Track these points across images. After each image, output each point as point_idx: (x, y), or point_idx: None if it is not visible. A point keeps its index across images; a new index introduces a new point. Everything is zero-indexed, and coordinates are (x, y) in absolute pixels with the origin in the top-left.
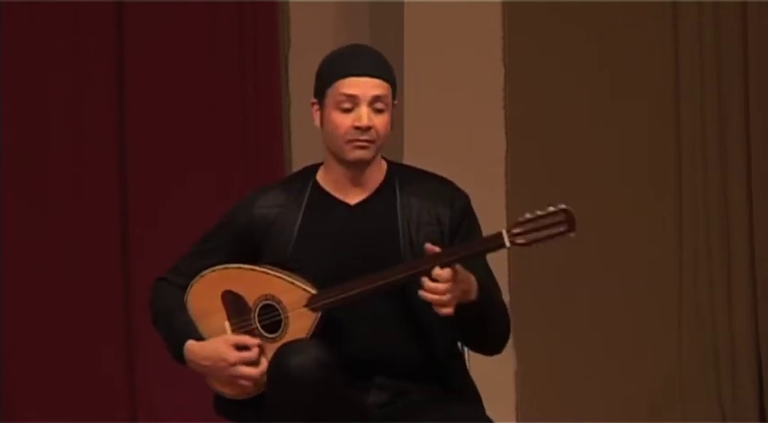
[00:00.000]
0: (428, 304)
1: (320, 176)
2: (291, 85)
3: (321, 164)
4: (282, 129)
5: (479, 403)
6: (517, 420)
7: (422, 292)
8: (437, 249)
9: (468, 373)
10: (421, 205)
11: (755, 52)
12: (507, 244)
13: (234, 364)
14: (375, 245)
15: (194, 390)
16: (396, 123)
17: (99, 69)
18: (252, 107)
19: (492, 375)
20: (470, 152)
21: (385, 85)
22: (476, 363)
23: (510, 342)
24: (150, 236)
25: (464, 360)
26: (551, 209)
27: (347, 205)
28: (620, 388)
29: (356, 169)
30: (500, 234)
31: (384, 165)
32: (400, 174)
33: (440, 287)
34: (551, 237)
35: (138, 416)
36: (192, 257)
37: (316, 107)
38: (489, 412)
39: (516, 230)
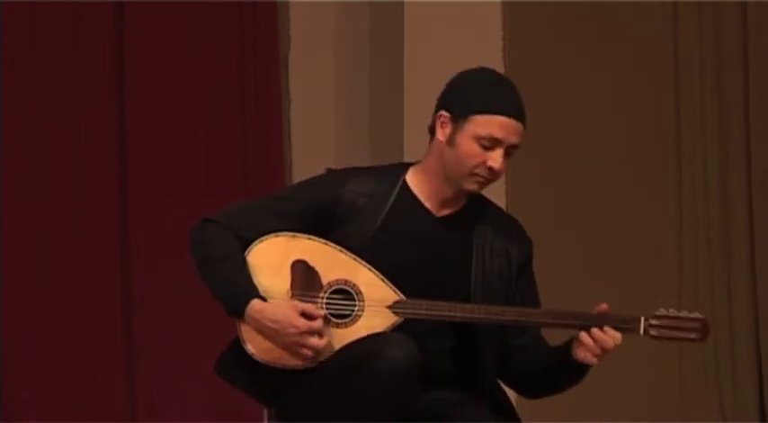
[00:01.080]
0: (491, 340)
1: (411, 178)
2: (291, 85)
3: (412, 164)
4: (282, 129)
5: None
6: None
7: (589, 338)
8: (607, 308)
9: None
10: (495, 236)
11: (755, 52)
12: (641, 332)
13: (303, 333)
14: (449, 262)
15: (194, 390)
16: (396, 123)
17: (99, 69)
18: (252, 107)
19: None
20: None
21: (523, 131)
22: None
23: None
24: (150, 236)
25: (503, 391)
26: (690, 314)
27: (432, 216)
28: (620, 388)
29: (459, 191)
30: (638, 319)
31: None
32: (481, 204)
33: (607, 345)
34: (681, 340)
35: (138, 416)
36: (258, 211)
37: (445, 121)
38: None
39: (653, 322)
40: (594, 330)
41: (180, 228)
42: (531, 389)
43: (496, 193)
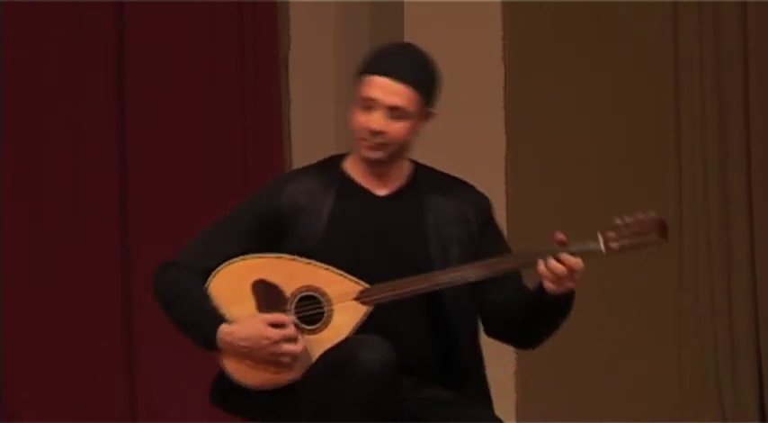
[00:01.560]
0: (461, 310)
1: (348, 166)
2: (291, 85)
3: (348, 154)
4: (282, 129)
5: (491, 408)
6: (517, 420)
7: (546, 269)
8: (563, 237)
9: (485, 378)
10: (447, 203)
11: (755, 52)
12: (603, 249)
13: (276, 342)
14: (403, 238)
15: (194, 390)
16: None
17: (99, 69)
18: (252, 107)
19: (492, 375)
20: (470, 152)
21: (411, 93)
22: None
23: None
24: (150, 236)
25: (484, 366)
26: (642, 216)
27: (376, 196)
28: (619, 388)
29: (375, 166)
30: (595, 238)
31: (409, 165)
32: (425, 174)
33: (568, 273)
34: (645, 245)
35: (138, 416)
36: (209, 241)
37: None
38: None
39: (611, 234)
40: (550, 261)
41: (180, 228)
42: (528, 337)
43: (496, 193)
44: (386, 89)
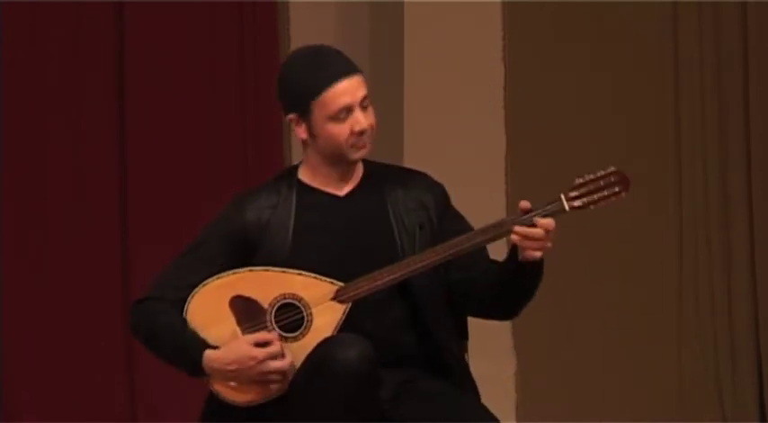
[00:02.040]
0: (432, 296)
1: (303, 175)
2: None
3: (297, 165)
4: (282, 129)
5: (478, 396)
6: (517, 420)
7: (520, 238)
8: (528, 205)
9: (467, 365)
10: (404, 193)
11: (755, 52)
12: (566, 208)
13: (263, 361)
14: (371, 232)
15: (194, 390)
16: (396, 124)
17: (99, 69)
18: (252, 107)
19: (492, 375)
20: (470, 152)
21: (362, 78)
22: (476, 363)
23: (510, 342)
24: (150, 236)
25: (464, 353)
26: (603, 172)
27: (337, 197)
28: (619, 388)
29: (349, 166)
30: (558, 198)
31: (361, 163)
32: (377, 168)
33: (543, 234)
34: (606, 198)
35: (138, 416)
36: (179, 272)
37: (296, 121)
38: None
39: (573, 194)
40: (519, 228)
41: (180, 228)
42: (504, 309)
43: (496, 193)
44: (350, 89)
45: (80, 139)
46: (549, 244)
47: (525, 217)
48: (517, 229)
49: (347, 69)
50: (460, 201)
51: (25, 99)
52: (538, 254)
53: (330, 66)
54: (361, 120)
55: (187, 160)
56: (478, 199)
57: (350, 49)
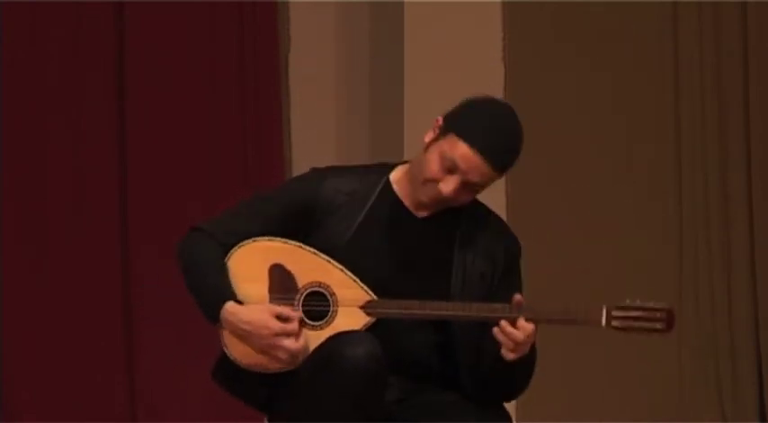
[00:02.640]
0: (470, 337)
1: (395, 178)
2: (291, 85)
3: (398, 164)
4: (282, 129)
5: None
6: (517, 420)
7: (498, 332)
8: (522, 300)
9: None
10: (480, 238)
11: (755, 52)
12: (603, 323)
13: (276, 334)
14: (427, 264)
15: (194, 390)
16: (396, 124)
17: (99, 69)
18: (252, 107)
19: None
20: None
21: (494, 175)
22: None
23: None
24: (150, 236)
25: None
26: (653, 305)
27: (413, 216)
28: (619, 388)
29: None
30: (599, 310)
31: None
32: (469, 203)
33: (519, 337)
34: (647, 331)
35: (138, 416)
36: (240, 216)
37: (436, 127)
38: None
39: (616, 313)
40: (507, 328)
41: (180, 228)
42: (491, 392)
43: (496, 193)
44: (473, 165)
45: (80, 139)
46: (521, 348)
47: (558, 313)
48: (499, 328)
49: (492, 156)
50: None
51: (25, 99)
52: (511, 355)
53: (492, 140)
54: (451, 185)
55: (187, 160)
56: (478, 199)
57: (350, 49)
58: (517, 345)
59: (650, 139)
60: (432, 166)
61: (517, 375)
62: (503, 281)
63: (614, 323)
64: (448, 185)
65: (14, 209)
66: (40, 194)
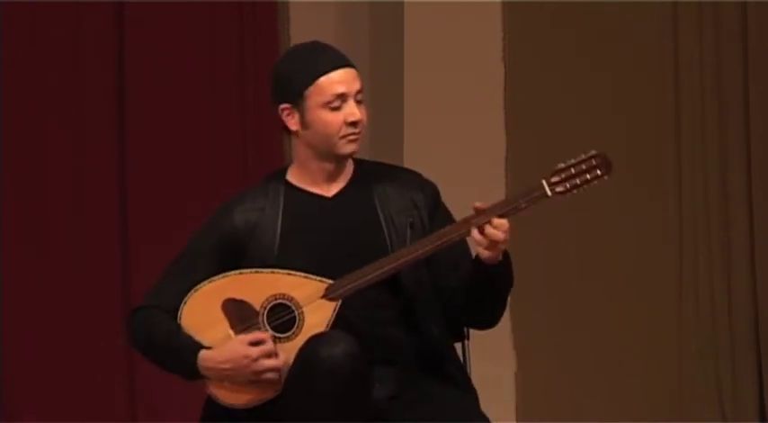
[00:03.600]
0: (420, 295)
1: (291, 176)
2: None
3: (287, 166)
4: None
5: (474, 394)
6: (517, 420)
7: (479, 236)
8: (483, 206)
9: (459, 358)
10: (395, 192)
11: (755, 52)
12: (549, 193)
13: (257, 359)
14: (359, 232)
15: (194, 390)
16: (396, 124)
17: (99, 69)
18: (252, 107)
19: (492, 375)
20: (470, 152)
21: (357, 74)
22: (476, 363)
23: (510, 342)
24: (150, 236)
25: (454, 347)
26: (584, 155)
27: (325, 198)
28: (620, 388)
29: (339, 163)
30: (540, 184)
31: (350, 161)
32: (368, 166)
33: (500, 235)
34: (588, 181)
35: (138, 416)
36: (174, 277)
37: (288, 111)
38: (489, 413)
39: (555, 179)
40: (485, 228)
41: (180, 228)
42: (477, 315)
43: (496, 193)
44: (345, 79)
45: (80, 139)
46: (503, 245)
47: (509, 202)
48: (476, 232)
49: (343, 61)
50: (460, 201)
51: (25, 99)
52: (488, 253)
53: (327, 55)
54: (355, 111)
55: (187, 160)
56: (478, 199)
57: (350, 49)
58: (502, 242)
59: (650, 139)
60: (328, 118)
61: (500, 286)
62: (434, 219)
63: (558, 189)
64: (353, 113)
65: (14, 209)
66: (40, 194)
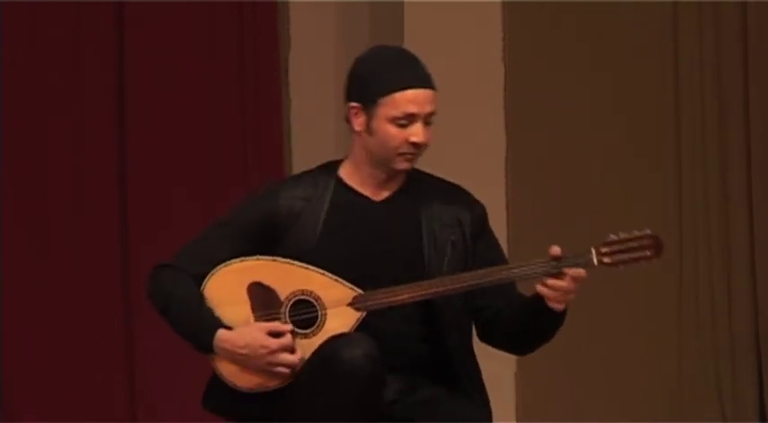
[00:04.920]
0: (449, 309)
1: (344, 173)
2: (291, 85)
3: (341, 160)
4: (282, 129)
5: (486, 406)
6: (517, 420)
7: (547, 289)
8: (559, 251)
9: (480, 376)
10: (442, 207)
11: (755, 52)
12: (595, 262)
13: (275, 352)
14: (399, 242)
15: (194, 390)
16: None
17: (99, 69)
18: (252, 107)
19: (492, 375)
20: (470, 152)
21: (435, 95)
22: None
23: None
24: (150, 236)
25: (477, 364)
26: (638, 233)
27: (373, 202)
28: (620, 388)
29: (391, 173)
30: (589, 251)
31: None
32: (421, 177)
33: (572, 286)
34: (636, 260)
35: (138, 416)
36: (203, 246)
37: (357, 111)
38: None
39: (604, 249)
40: (550, 281)
41: (180, 228)
42: (522, 345)
43: (496, 193)
44: (421, 100)
45: (80, 139)
46: (572, 295)
47: (554, 265)
48: (541, 286)
49: (424, 82)
50: None
51: (25, 99)
52: (560, 306)
53: (409, 71)
54: (420, 133)
55: (187, 160)
56: (478, 199)
57: (350, 49)
58: (567, 293)
59: (650, 139)
60: (392, 132)
61: (549, 327)
62: (478, 242)
63: (605, 260)
64: (418, 134)
65: (14, 209)
66: (40, 194)
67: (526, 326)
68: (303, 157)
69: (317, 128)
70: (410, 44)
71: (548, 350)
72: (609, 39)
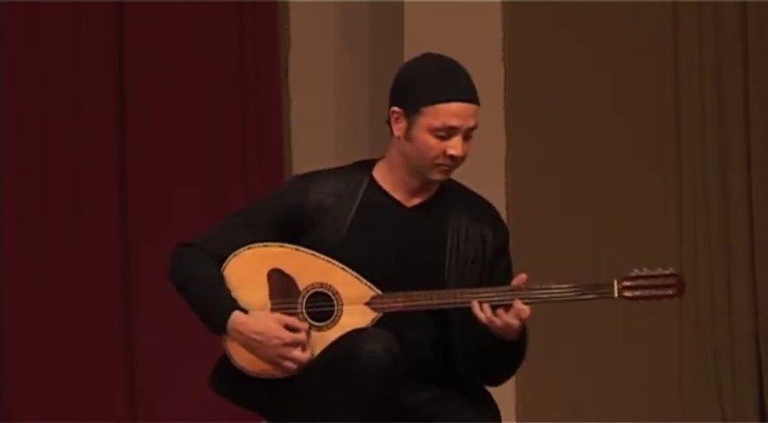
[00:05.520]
0: (464, 316)
1: (378, 174)
2: (291, 85)
3: (377, 160)
4: (282, 129)
5: (495, 410)
6: (517, 420)
7: (489, 320)
8: (524, 279)
9: (487, 390)
10: (470, 221)
11: (755, 52)
12: (615, 295)
13: (287, 345)
14: (422, 250)
15: (194, 390)
16: None
17: (99, 69)
18: (252, 107)
19: None
20: (470, 152)
21: (478, 110)
22: None
23: None
24: (150, 237)
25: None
26: (662, 271)
27: (403, 206)
28: (620, 388)
29: (425, 181)
30: (611, 283)
31: None
32: (453, 187)
33: (515, 323)
34: (657, 298)
35: (138, 416)
36: (229, 228)
37: (398, 116)
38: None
39: (626, 284)
40: (498, 311)
41: (180, 228)
42: (484, 375)
43: (496, 193)
44: (463, 114)
45: (80, 139)
46: (511, 332)
47: (578, 291)
48: (496, 312)
49: (469, 96)
50: None
51: (25, 99)
52: (509, 336)
53: (456, 84)
54: (459, 146)
55: (187, 160)
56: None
57: (350, 49)
58: (507, 327)
59: (650, 139)
60: (431, 143)
61: (507, 358)
62: (496, 265)
63: (626, 294)
64: (456, 147)
65: (14, 209)
66: (40, 194)
67: (483, 354)
68: (303, 157)
69: (317, 128)
70: (410, 44)
71: (548, 350)
72: (609, 39)
